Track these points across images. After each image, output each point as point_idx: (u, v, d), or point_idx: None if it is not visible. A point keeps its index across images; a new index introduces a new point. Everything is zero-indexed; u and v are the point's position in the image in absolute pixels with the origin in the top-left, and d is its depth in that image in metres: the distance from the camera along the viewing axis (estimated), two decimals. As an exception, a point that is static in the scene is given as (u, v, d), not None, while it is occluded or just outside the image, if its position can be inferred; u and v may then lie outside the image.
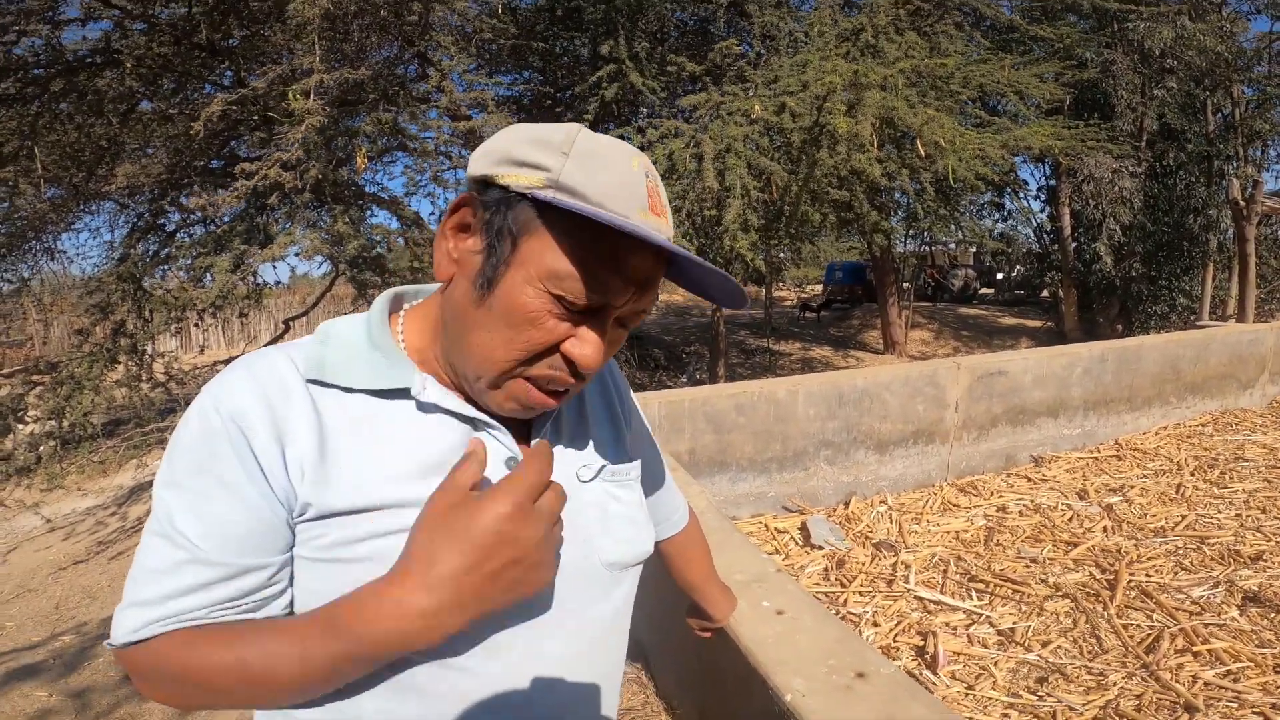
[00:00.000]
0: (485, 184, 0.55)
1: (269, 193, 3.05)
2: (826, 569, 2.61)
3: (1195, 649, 1.92)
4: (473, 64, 4.13)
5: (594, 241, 0.52)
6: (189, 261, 3.67)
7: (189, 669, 0.52)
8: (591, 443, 0.70)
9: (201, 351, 5.18)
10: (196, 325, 4.14)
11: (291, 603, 0.57)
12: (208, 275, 3.44)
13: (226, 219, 3.65)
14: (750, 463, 3.14)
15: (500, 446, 0.61)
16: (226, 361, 4.79)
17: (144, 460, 4.08)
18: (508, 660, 0.58)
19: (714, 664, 1.36)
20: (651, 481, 0.85)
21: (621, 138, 4.56)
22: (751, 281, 16.85)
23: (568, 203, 0.50)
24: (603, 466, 0.69)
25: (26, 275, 5.07)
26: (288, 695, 0.53)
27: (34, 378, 3.78)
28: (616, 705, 0.72)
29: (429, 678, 0.55)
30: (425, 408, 0.59)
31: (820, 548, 2.78)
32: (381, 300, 0.65)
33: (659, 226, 0.55)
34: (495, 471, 0.58)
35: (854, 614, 2.25)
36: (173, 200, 4.09)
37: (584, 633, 0.64)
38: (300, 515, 0.55)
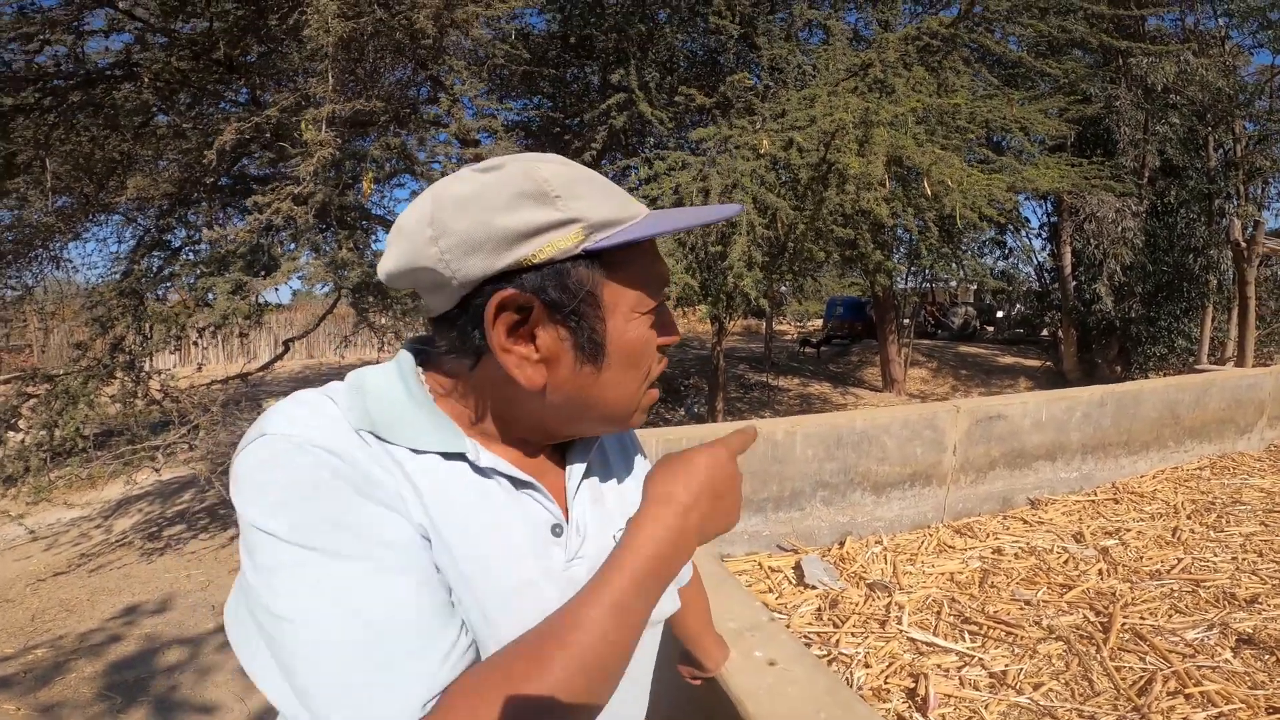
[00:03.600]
0: (504, 276, 0.51)
1: (281, 226, 3.09)
2: (819, 609, 2.58)
3: (1188, 691, 1.90)
4: (484, 88, 4.20)
5: (641, 250, 0.55)
6: (192, 280, 3.69)
7: (551, 684, 0.45)
8: (625, 501, 0.70)
9: (199, 369, 5.18)
10: (195, 343, 4.15)
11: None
12: (209, 294, 3.45)
13: (234, 242, 3.67)
14: (747, 502, 3.12)
15: (546, 513, 0.60)
16: (225, 381, 4.78)
17: (133, 477, 4.05)
18: None
19: (706, 714, 1.34)
20: None
21: (629, 168, 4.63)
22: (752, 315, 16.94)
23: (619, 238, 0.52)
24: None
25: (30, 283, 5.10)
26: (621, 660, 0.50)
27: (29, 389, 3.77)
28: None
29: None
30: (484, 472, 0.57)
31: (814, 587, 2.75)
32: (407, 357, 0.61)
33: (640, 205, 0.58)
34: (540, 540, 0.58)
35: (846, 655, 2.22)
36: (180, 217, 4.12)
37: (624, 688, 0.63)
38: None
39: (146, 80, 3.61)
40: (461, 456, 0.56)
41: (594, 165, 5.63)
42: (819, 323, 19.87)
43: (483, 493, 0.56)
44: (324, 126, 2.85)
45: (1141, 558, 2.85)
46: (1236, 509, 3.35)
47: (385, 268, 0.56)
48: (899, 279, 12.48)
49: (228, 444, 4.21)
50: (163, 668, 2.94)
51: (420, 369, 0.60)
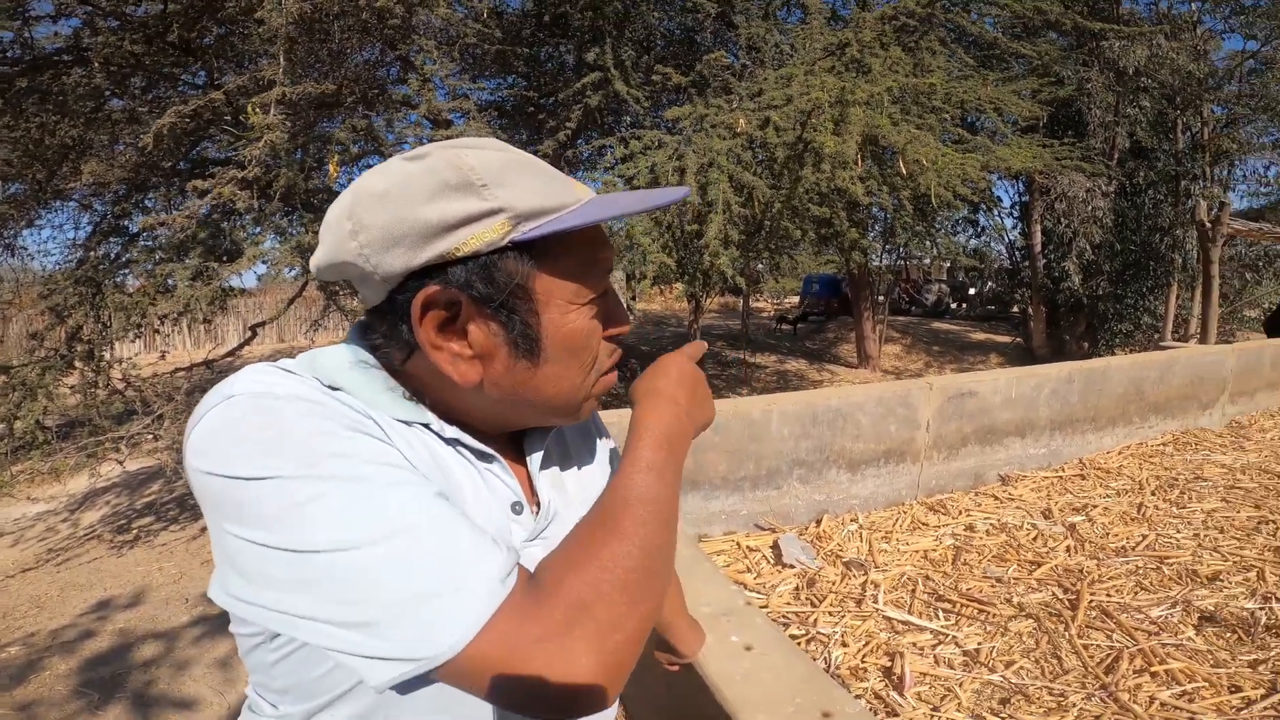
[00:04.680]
0: (430, 270, 0.50)
1: (224, 211, 2.98)
2: (797, 588, 2.61)
3: (1153, 669, 1.95)
4: (455, 69, 4.09)
5: (579, 239, 0.53)
6: (150, 267, 3.56)
7: (637, 557, 0.47)
8: (584, 482, 0.70)
9: (163, 356, 5.04)
10: (158, 331, 4.01)
11: None
12: (169, 281, 3.35)
13: (187, 228, 3.55)
14: (723, 481, 3.14)
15: (507, 490, 0.60)
16: (189, 368, 4.65)
17: (97, 469, 3.95)
18: None
19: (683, 699, 1.34)
20: None
21: (604, 147, 4.56)
22: (729, 293, 16.99)
23: (549, 227, 0.49)
24: None
25: (-15, 272, 4.92)
26: (674, 514, 0.52)
27: (-15, 382, 3.64)
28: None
29: (445, 707, 0.53)
30: (449, 443, 0.57)
31: (792, 566, 2.78)
32: (357, 337, 0.59)
33: (584, 190, 0.56)
34: (502, 515, 0.58)
35: (824, 634, 2.25)
36: (137, 202, 3.97)
37: None
38: None
39: (98, 65, 3.45)
40: (426, 426, 0.55)
41: (569, 145, 5.55)
42: (796, 300, 20.01)
43: (448, 464, 0.56)
44: (273, 109, 2.74)
45: (1108, 534, 2.92)
46: (1199, 485, 3.45)
47: (315, 261, 0.54)
48: (874, 257, 12.59)
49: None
50: (138, 663, 2.89)
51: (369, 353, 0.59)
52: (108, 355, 3.93)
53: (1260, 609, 2.22)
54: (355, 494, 0.42)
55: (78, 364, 3.64)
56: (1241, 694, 1.83)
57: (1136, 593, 2.40)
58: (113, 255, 4.11)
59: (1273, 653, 1.99)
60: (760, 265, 9.84)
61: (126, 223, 4.20)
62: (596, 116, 5.90)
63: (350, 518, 0.42)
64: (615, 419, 2.69)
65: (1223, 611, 2.22)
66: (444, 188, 0.48)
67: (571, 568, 0.45)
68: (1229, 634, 2.12)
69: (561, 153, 5.69)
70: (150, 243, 4.02)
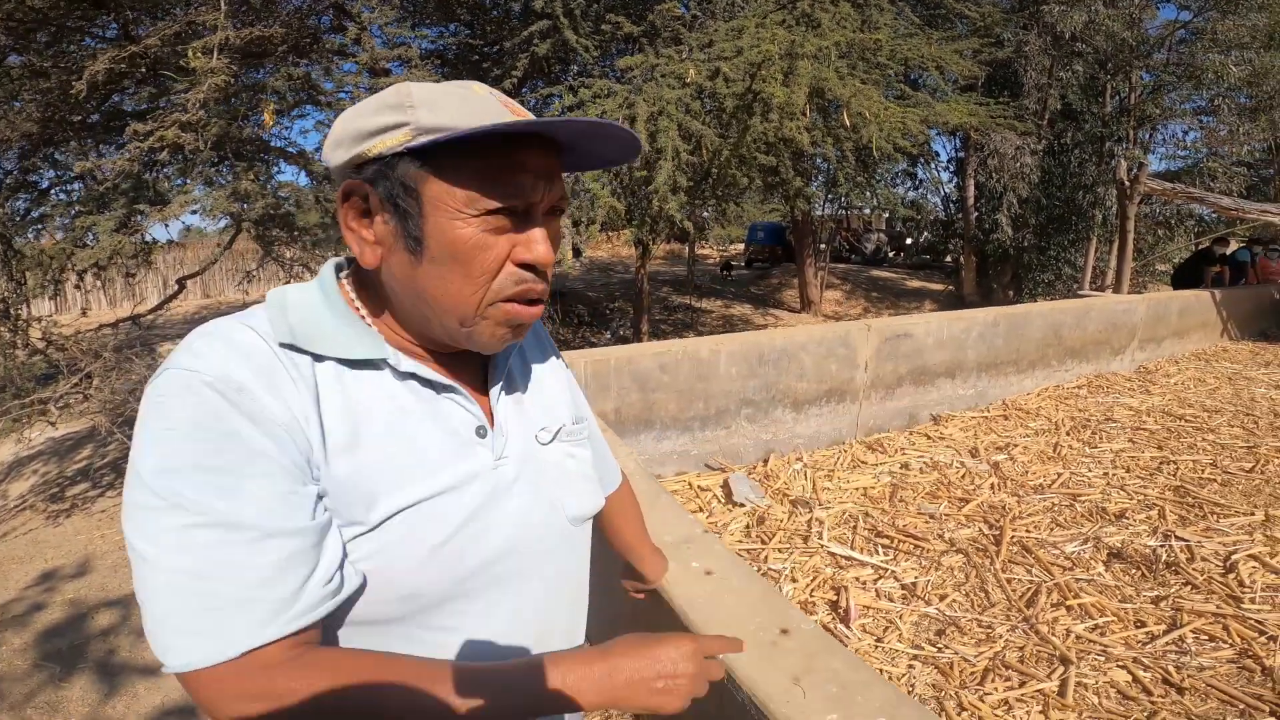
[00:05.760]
0: (358, 167, 0.57)
1: (150, 154, 2.78)
2: (748, 526, 2.74)
3: (1068, 603, 2.10)
4: (395, 16, 3.86)
5: (486, 155, 0.56)
6: (67, 221, 3.32)
7: (368, 702, 0.50)
8: (546, 404, 0.75)
9: (84, 313, 4.74)
10: (77, 287, 3.76)
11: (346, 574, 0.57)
12: (89, 235, 3.13)
13: (110, 176, 3.30)
14: (674, 421, 3.23)
15: (469, 416, 0.64)
16: (115, 325, 4.40)
17: (25, 434, 3.73)
18: (493, 620, 0.64)
19: (650, 624, 1.43)
20: (593, 439, 0.89)
21: (551, 96, 4.45)
22: (676, 240, 16.97)
23: (440, 138, 0.54)
24: (560, 427, 0.75)
25: None
26: None
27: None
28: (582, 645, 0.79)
29: (417, 640, 0.59)
30: (401, 376, 0.61)
31: (742, 505, 2.91)
32: (329, 270, 0.65)
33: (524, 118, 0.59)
34: (463, 443, 0.63)
35: (774, 570, 2.39)
36: (45, 156, 3.64)
37: (557, 586, 0.71)
38: (317, 480, 0.55)
39: None
40: (384, 363, 0.60)
41: (514, 93, 5.37)
42: (741, 247, 20.17)
43: (400, 403, 0.60)
44: (216, 53, 2.56)
45: (1027, 472, 3.14)
46: (1109, 426, 3.73)
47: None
48: (817, 206, 12.78)
49: (125, 391, 3.91)
50: (96, 632, 2.82)
51: (347, 283, 0.64)
52: (25, 314, 3.67)
53: (1161, 546, 2.41)
54: (171, 523, 0.48)
55: (-8, 324, 3.40)
56: (1146, 629, 2.00)
57: (1052, 529, 2.59)
58: (22, 211, 3.79)
59: (1172, 590, 2.16)
60: (707, 213, 9.87)
61: (35, 178, 3.86)
62: (544, 65, 5.71)
63: (158, 539, 0.48)
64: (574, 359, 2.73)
65: (1129, 548, 2.40)
66: (382, 107, 0.56)
67: (306, 677, 0.49)
68: (1134, 570, 2.30)
69: (506, 101, 5.49)
70: (65, 196, 3.72)
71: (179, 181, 3.43)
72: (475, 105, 0.56)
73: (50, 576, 3.31)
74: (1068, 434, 3.62)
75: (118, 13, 3.49)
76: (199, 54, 2.51)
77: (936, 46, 5.73)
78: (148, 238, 3.56)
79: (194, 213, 3.38)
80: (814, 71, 4.11)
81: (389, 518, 0.56)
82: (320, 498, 0.54)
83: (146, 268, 3.93)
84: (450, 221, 0.55)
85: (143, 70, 3.22)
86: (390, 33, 3.68)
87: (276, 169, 3.95)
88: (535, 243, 0.58)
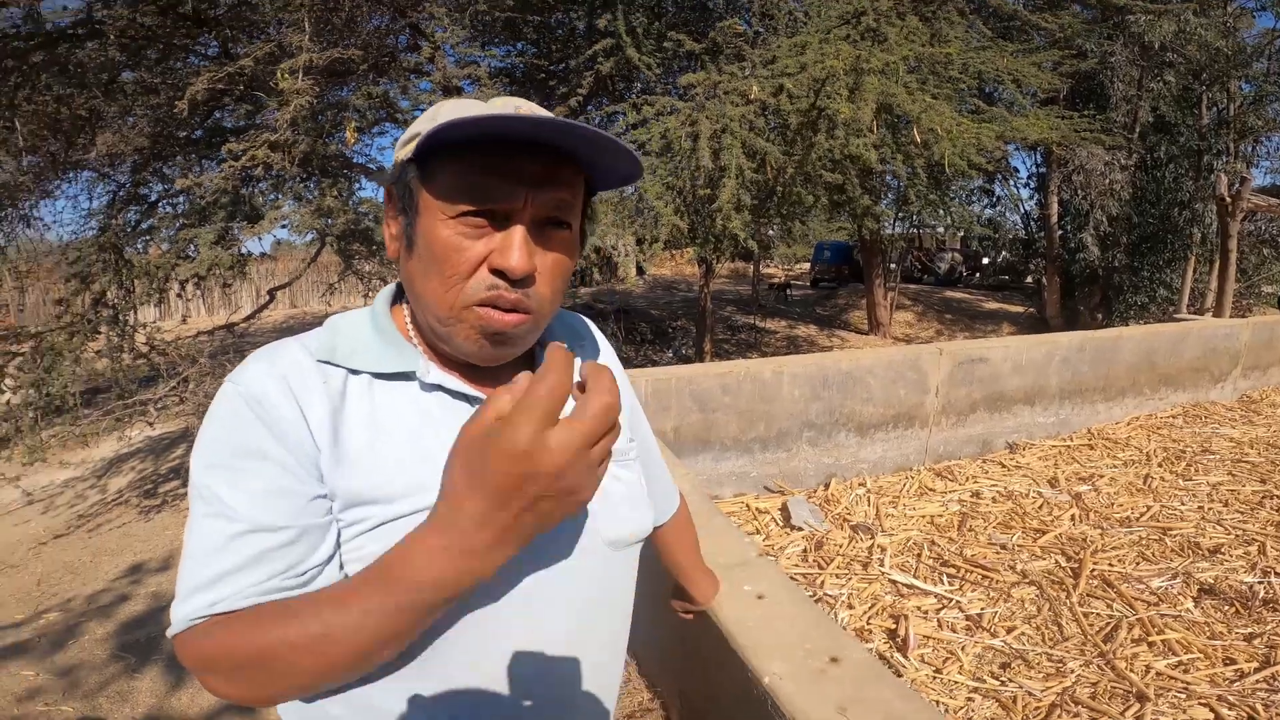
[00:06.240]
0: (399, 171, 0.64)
1: (246, 170, 3.01)
2: (805, 550, 2.67)
3: (1151, 639, 1.99)
4: (466, 36, 4.05)
5: (466, 159, 0.57)
6: (172, 233, 3.61)
7: (254, 650, 0.51)
8: None
9: (184, 320, 5.12)
10: (179, 295, 4.08)
11: (341, 568, 0.60)
12: (191, 247, 3.39)
13: (212, 191, 3.59)
14: (734, 442, 3.19)
15: None
16: (211, 332, 4.74)
17: (126, 433, 4.03)
18: (509, 640, 0.61)
19: (696, 646, 1.41)
20: (648, 460, 0.88)
21: (614, 114, 4.53)
22: (740, 258, 16.85)
23: (420, 141, 0.57)
24: None
25: (2, 243, 4.99)
26: (357, 660, 0.52)
27: (11, 347, 3.72)
28: (619, 683, 0.75)
29: (431, 660, 0.58)
30: (428, 388, 0.64)
31: (800, 529, 2.84)
32: (384, 292, 0.71)
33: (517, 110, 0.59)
34: None
35: (830, 596, 2.32)
36: (155, 171, 4.00)
37: (585, 611, 0.67)
38: (329, 491, 0.59)
39: (113, 38, 3.45)
40: (414, 376, 0.63)
41: (580, 111, 5.51)
42: (806, 266, 19.86)
43: (427, 414, 0.63)
44: (301, 75, 2.75)
45: (1113, 504, 2.96)
46: (1206, 458, 3.46)
47: None
48: (887, 224, 12.46)
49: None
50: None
51: (405, 304, 0.69)
52: (131, 320, 4.01)
53: (1259, 583, 2.25)
54: (195, 513, 0.57)
55: (103, 329, 3.72)
56: (1235, 666, 1.87)
57: (1138, 563, 2.44)
58: (133, 223, 4.16)
59: (1268, 627, 2.02)
60: (772, 231, 9.77)
61: (145, 191, 4.24)
62: (608, 83, 5.83)
63: (190, 520, 0.58)
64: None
65: (1222, 584, 2.25)
66: (425, 118, 0.62)
67: (255, 650, 0.52)
68: (1227, 607, 2.15)
69: (573, 119, 5.64)
70: (171, 209, 4.05)
71: (271, 197, 3.68)
72: (474, 107, 0.60)
73: (137, 569, 3.52)
74: (1160, 465, 3.38)
75: (218, 32, 3.82)
76: (286, 75, 2.71)
77: (1012, 59, 5.52)
78: (243, 251, 3.82)
79: (283, 228, 3.62)
80: (881, 87, 4.03)
81: (393, 520, 0.58)
82: (324, 498, 0.59)
83: (241, 279, 4.23)
84: (432, 222, 0.59)
85: (241, 88, 3.50)
86: (461, 52, 3.86)
87: (358, 185, 4.18)
88: (507, 249, 0.57)
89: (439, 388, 0.64)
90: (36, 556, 3.76)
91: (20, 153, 3.77)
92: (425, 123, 0.61)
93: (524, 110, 0.58)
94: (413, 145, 0.59)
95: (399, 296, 0.71)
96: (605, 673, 0.71)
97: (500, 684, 0.61)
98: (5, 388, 3.75)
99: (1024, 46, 6.48)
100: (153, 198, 4.33)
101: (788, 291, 16.00)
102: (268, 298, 4.82)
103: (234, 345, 5.63)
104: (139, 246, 4.07)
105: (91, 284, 3.63)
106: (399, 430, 0.61)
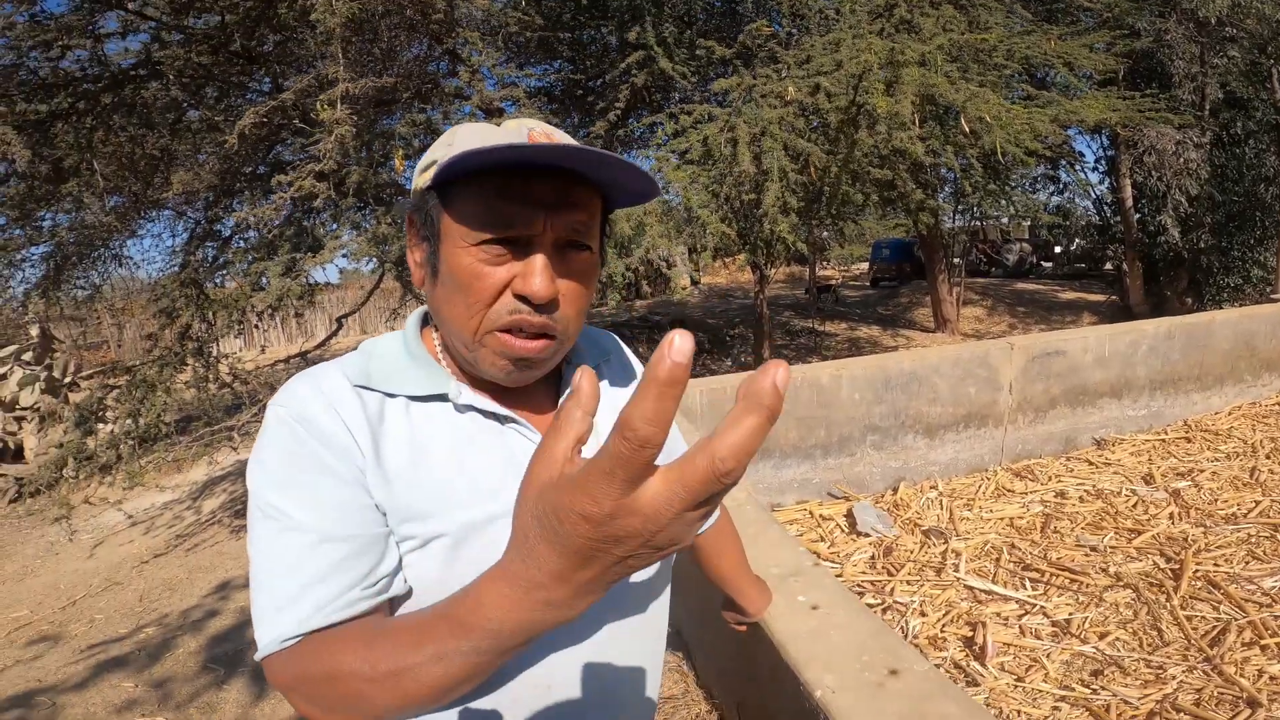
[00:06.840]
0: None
1: (306, 203, 3.14)
2: (873, 557, 2.57)
3: (1264, 642, 1.83)
4: (502, 58, 4.14)
5: (482, 187, 0.58)
6: (244, 266, 3.83)
7: (334, 680, 0.51)
8: None
9: (263, 350, 5.42)
10: (257, 326, 4.32)
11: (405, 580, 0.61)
12: (263, 279, 3.58)
13: (275, 224, 3.78)
14: (794, 449, 3.12)
15: (530, 445, 0.65)
16: (287, 360, 4.98)
17: (214, 458, 4.26)
18: (550, 649, 0.63)
19: (750, 658, 1.36)
20: None
21: (654, 125, 4.53)
22: (795, 262, 16.50)
23: (436, 172, 0.58)
24: None
25: (98, 282, 5.39)
26: (435, 696, 0.49)
27: (110, 380, 4.00)
28: (658, 690, 0.77)
29: (497, 681, 0.60)
30: (461, 409, 0.65)
31: (867, 535, 2.74)
32: (414, 316, 0.73)
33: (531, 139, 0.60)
34: (511, 471, 0.64)
35: (900, 603, 2.21)
36: (226, 207, 4.25)
37: (622, 620, 0.69)
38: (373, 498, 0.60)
39: (171, 77, 3.70)
40: (445, 397, 0.64)
41: (619, 125, 5.56)
42: (865, 267, 19.29)
43: (463, 433, 0.64)
44: (339, 105, 2.87)
45: (1216, 500, 2.73)
46: (1320, 445, 3.16)
47: None
48: (945, 218, 12.00)
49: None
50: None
51: (432, 327, 0.71)
52: (215, 351, 4.25)
53: None
54: (261, 529, 0.58)
55: (189, 360, 3.96)
56: None
57: (1248, 562, 2.24)
58: (210, 258, 4.44)
59: None
60: (825, 232, 9.55)
61: (219, 227, 4.52)
62: (644, 95, 5.86)
63: (254, 541, 0.58)
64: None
65: None
66: (437, 145, 0.64)
67: (334, 674, 0.52)
68: None
69: (613, 133, 5.70)
70: (243, 243, 4.30)
71: (331, 227, 3.84)
72: (492, 138, 0.60)
73: (226, 585, 3.71)
74: (1267, 457, 3.10)
75: (268, 67, 4.04)
76: (325, 106, 2.83)
77: (1059, 42, 5.26)
78: (310, 280, 4.01)
79: (344, 256, 3.77)
80: (920, 78, 3.89)
81: (437, 537, 0.60)
82: (379, 510, 0.60)
83: (311, 308, 4.43)
84: (454, 250, 0.59)
85: (295, 122, 3.68)
86: (499, 73, 3.95)
87: (410, 211, 4.31)
88: (529, 275, 0.58)
89: (472, 408, 0.65)
90: (139, 574, 4.01)
91: (103, 193, 4.06)
92: (441, 149, 0.62)
93: (536, 134, 0.62)
94: (430, 173, 0.60)
95: (428, 319, 0.72)
96: (646, 678, 0.73)
97: (542, 690, 0.63)
98: (106, 418, 4.03)
99: (1072, 29, 6.18)
100: (226, 233, 4.60)
101: (832, 293, 14.92)
102: (336, 325, 5.04)
103: (307, 372, 5.90)
104: (217, 280, 4.32)
105: (176, 318, 3.87)
106: (438, 450, 0.62)
